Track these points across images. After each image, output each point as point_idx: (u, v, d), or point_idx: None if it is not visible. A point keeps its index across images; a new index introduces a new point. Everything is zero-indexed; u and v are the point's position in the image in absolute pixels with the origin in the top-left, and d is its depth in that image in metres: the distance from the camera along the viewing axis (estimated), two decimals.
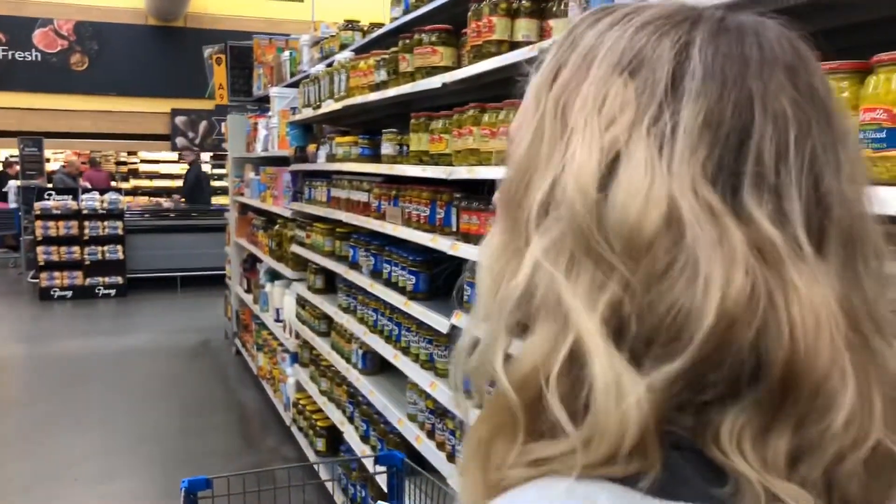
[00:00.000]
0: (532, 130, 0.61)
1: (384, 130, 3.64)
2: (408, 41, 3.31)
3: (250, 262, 7.79)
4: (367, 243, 4.00)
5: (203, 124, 16.95)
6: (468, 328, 0.64)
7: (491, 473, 0.58)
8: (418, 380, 3.20)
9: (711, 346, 0.51)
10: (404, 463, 2.49)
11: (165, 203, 14.52)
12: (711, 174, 0.55)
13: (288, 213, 5.67)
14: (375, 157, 3.98)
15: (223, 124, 15.99)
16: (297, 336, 5.66)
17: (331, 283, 5.10)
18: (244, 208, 8.07)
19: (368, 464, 4.09)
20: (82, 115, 15.52)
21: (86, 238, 11.48)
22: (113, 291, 11.65)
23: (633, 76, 0.58)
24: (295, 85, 6.31)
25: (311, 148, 5.00)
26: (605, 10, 0.63)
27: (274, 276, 6.78)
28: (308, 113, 5.04)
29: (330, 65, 4.76)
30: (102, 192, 11.78)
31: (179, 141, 16.74)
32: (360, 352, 4.13)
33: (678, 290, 0.52)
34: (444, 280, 3.42)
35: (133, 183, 16.42)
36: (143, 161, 17.11)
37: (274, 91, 6.35)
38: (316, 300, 4.93)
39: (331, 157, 4.56)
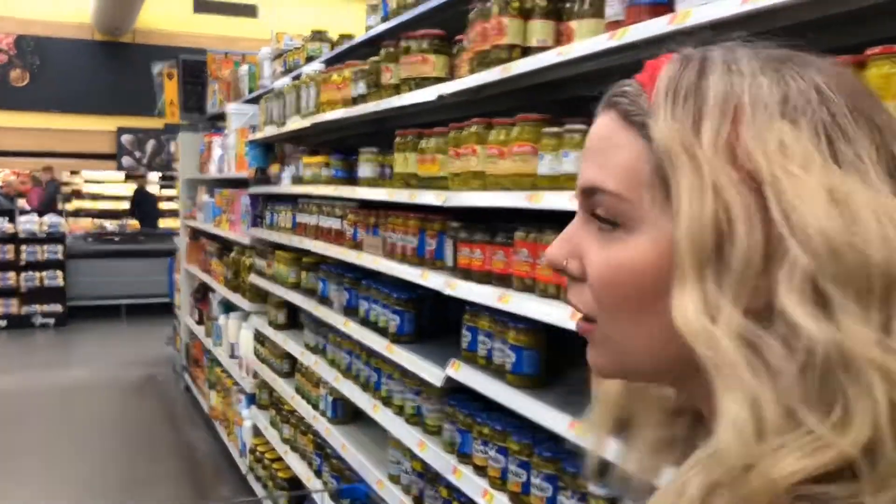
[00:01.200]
0: (700, 181, 0.60)
1: (362, 150, 3.23)
2: (391, 50, 2.91)
3: (202, 292, 7.27)
4: (341, 276, 3.57)
5: (151, 143, 16.33)
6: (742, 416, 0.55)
7: None
8: (403, 437, 2.76)
9: None
10: (368, 497, 2.10)
11: (110, 226, 13.84)
12: None
13: (246, 240, 5.20)
14: (350, 180, 3.56)
15: (173, 143, 15.44)
16: (255, 375, 5.17)
17: (294, 319, 4.63)
18: (196, 233, 7.55)
19: (326, 499, 3.68)
20: (23, 133, 14.79)
21: (22, 263, 10.79)
22: (52, 321, 10.96)
23: (793, 123, 0.60)
24: (254, 101, 5.86)
25: (274, 169, 4.55)
26: (696, 59, 0.66)
27: (229, 307, 6.28)
28: (270, 131, 4.60)
29: (296, 78, 4.34)
30: (41, 214, 11.10)
31: (126, 160, 16.08)
32: (330, 398, 3.68)
33: None
34: (429, 319, 3.00)
35: (76, 204, 15.65)
36: (87, 181, 16.36)
37: (231, 108, 5.89)
38: (278, 337, 4.46)
39: (297, 180, 4.12)
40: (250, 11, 16.73)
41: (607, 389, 0.79)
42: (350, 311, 3.43)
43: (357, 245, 3.27)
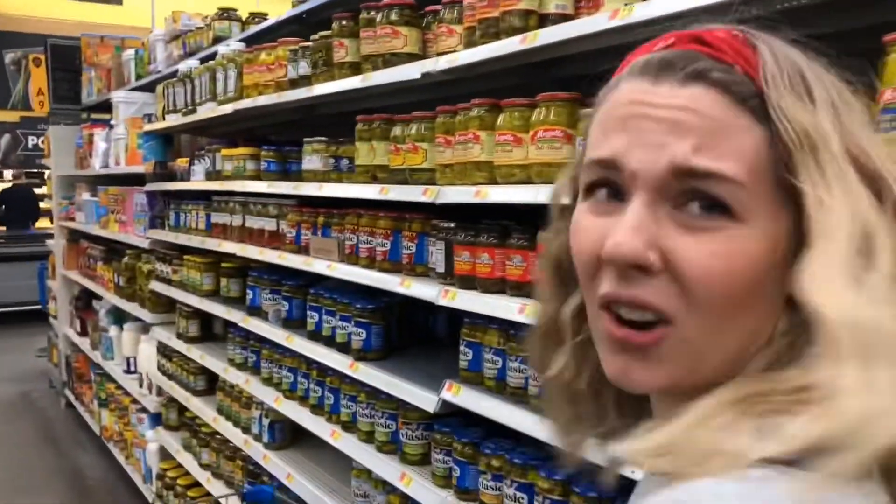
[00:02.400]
0: (840, 181, 0.60)
1: (308, 140, 2.82)
2: (344, 23, 2.52)
3: (84, 300, 6.57)
4: (277, 283, 3.15)
5: (6, 138, 14.99)
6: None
7: None
8: (378, 468, 2.40)
9: None
10: (275, 498, 1.87)
11: None
12: None
13: (144, 243, 4.64)
14: (283, 174, 3.14)
15: (42, 138, 14.22)
16: (161, 393, 4.64)
17: (209, 330, 4.16)
18: (75, 235, 6.83)
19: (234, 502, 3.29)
20: None
21: None
22: None
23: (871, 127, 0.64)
24: (145, 88, 5.28)
25: (181, 163, 4.05)
26: (776, 49, 0.65)
27: (120, 317, 5.67)
28: (174, 120, 4.08)
29: (206, 60, 3.85)
30: None
31: None
32: (266, 420, 3.25)
33: None
34: (397, 333, 2.65)
35: None
36: None
37: (118, 95, 5.28)
38: (192, 352, 3.97)
39: (214, 175, 3.65)
40: None
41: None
42: (292, 323, 3.02)
43: (302, 249, 2.87)
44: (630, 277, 0.62)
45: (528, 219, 1.88)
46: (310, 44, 2.74)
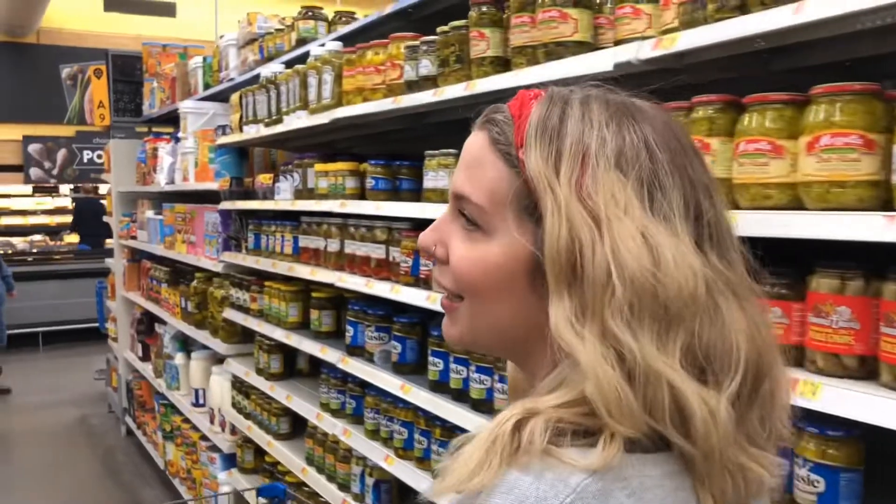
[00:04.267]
0: (559, 214, 0.74)
1: (431, 153, 2.36)
2: (485, 10, 2.06)
3: (147, 324, 6.21)
4: (385, 319, 2.70)
5: (62, 153, 14.89)
6: None
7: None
8: None
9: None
10: (287, 493, 1.48)
11: (20, 244, 12.45)
12: (697, 243, 0.76)
13: (216, 267, 4.24)
14: (392, 193, 2.69)
15: (97, 152, 14.10)
16: (235, 431, 4.22)
17: (291, 365, 3.72)
18: (136, 254, 6.49)
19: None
20: None
21: None
22: None
23: (624, 173, 0.75)
24: (213, 98, 4.90)
25: (263, 179, 3.62)
26: (559, 103, 0.80)
27: (185, 343, 5.28)
28: (254, 132, 3.67)
29: (291, 65, 3.42)
30: None
31: (34, 172, 14.60)
32: (371, 480, 2.79)
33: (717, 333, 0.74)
34: None
35: None
36: None
37: (187, 106, 4.89)
38: (276, 391, 3.53)
39: (305, 192, 3.21)
40: (168, 10, 15.48)
41: (510, 374, 0.97)
42: (405, 368, 2.56)
43: (420, 281, 2.41)
44: (436, 264, 0.88)
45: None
46: (435, 38, 2.28)
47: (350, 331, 2.87)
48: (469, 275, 0.81)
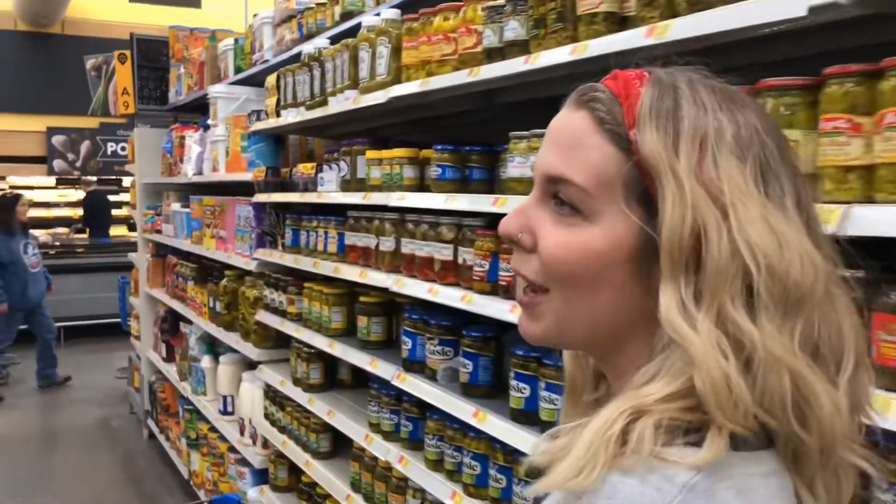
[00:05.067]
0: (681, 197, 0.71)
1: (517, 135, 1.97)
2: None
3: (171, 322, 5.87)
4: (452, 331, 2.31)
5: (85, 145, 14.67)
6: None
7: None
8: None
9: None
10: None
11: (43, 236, 12.20)
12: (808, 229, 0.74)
13: (249, 265, 3.88)
14: (461, 183, 2.30)
15: (120, 144, 13.87)
16: (267, 444, 3.86)
17: (331, 375, 3.35)
18: (161, 249, 6.15)
19: None
20: None
21: None
22: None
23: (741, 159, 0.73)
24: (246, 83, 4.54)
25: (304, 169, 3.24)
26: (669, 86, 0.76)
27: (212, 345, 4.93)
28: (292, 117, 3.29)
29: (339, 41, 3.04)
30: None
31: (58, 164, 14.38)
32: None
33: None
34: None
35: None
36: (12, 188, 14.58)
37: (217, 90, 4.53)
38: (315, 405, 3.16)
39: (354, 183, 2.83)
40: (192, 1, 15.25)
41: (569, 371, 0.91)
42: (476, 390, 2.18)
43: (499, 288, 2.02)
44: (517, 252, 0.82)
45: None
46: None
47: (407, 343, 2.49)
48: (566, 264, 0.76)
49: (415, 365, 2.46)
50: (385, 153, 2.60)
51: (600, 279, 0.75)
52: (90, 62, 15.10)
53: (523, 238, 0.80)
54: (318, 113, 3.02)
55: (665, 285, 0.71)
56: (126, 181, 13.68)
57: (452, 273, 2.26)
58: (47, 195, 14.37)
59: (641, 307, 0.75)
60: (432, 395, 2.29)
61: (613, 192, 0.74)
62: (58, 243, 11.67)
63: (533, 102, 2.18)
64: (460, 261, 2.22)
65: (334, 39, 3.19)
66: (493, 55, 2.01)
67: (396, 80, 2.49)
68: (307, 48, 3.26)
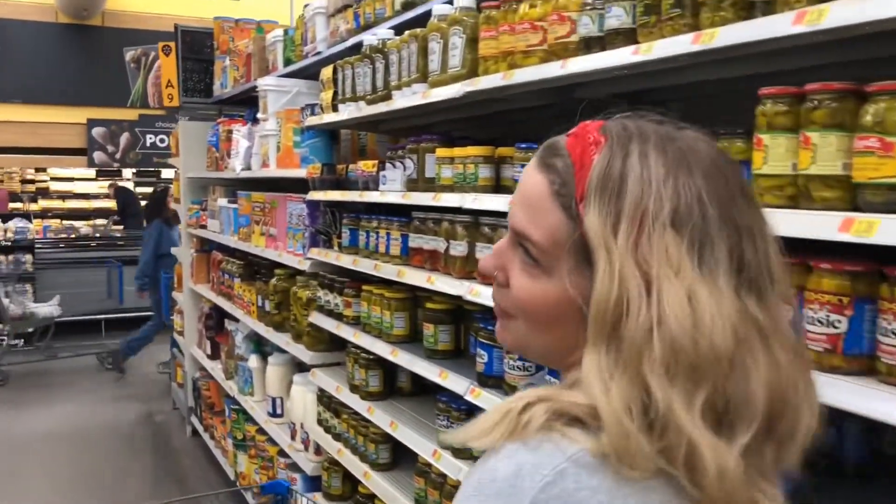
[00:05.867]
0: (611, 272, 0.78)
1: None
2: None
3: (216, 319, 5.77)
4: None
5: (125, 136, 14.68)
6: None
7: None
8: None
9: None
10: (290, 490, 1.90)
11: (83, 228, 12.25)
12: (737, 292, 0.78)
13: (302, 264, 3.74)
14: None
15: (160, 136, 13.88)
16: (320, 451, 3.73)
17: (390, 382, 3.20)
18: (205, 244, 6.05)
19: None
20: None
21: None
22: (20, 342, 9.30)
23: (678, 232, 0.78)
24: (297, 75, 4.40)
25: (365, 167, 3.08)
26: (619, 154, 0.82)
27: (259, 344, 4.81)
28: (351, 111, 3.13)
29: (401, 31, 2.87)
30: (6, 219, 9.47)
31: (98, 156, 14.40)
32: None
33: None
34: None
35: (42, 204, 13.95)
36: (53, 179, 14.66)
37: (267, 83, 4.39)
38: (375, 414, 3.01)
39: (422, 183, 2.67)
40: None
41: None
42: None
43: None
44: (496, 286, 0.94)
45: None
46: None
47: (483, 356, 2.32)
48: (528, 306, 0.88)
49: (491, 380, 2.29)
50: (457, 151, 2.43)
51: (554, 321, 0.86)
52: (129, 54, 15.14)
53: (499, 276, 0.92)
54: (381, 108, 2.86)
55: (588, 350, 0.79)
56: (164, 173, 13.70)
57: None
58: (87, 187, 14.44)
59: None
60: None
61: (564, 254, 0.83)
62: (97, 235, 11.70)
63: (611, 98, 2.01)
64: None
65: (396, 30, 3.03)
66: (591, 45, 1.83)
67: (472, 73, 2.32)
68: (368, 38, 3.10)
